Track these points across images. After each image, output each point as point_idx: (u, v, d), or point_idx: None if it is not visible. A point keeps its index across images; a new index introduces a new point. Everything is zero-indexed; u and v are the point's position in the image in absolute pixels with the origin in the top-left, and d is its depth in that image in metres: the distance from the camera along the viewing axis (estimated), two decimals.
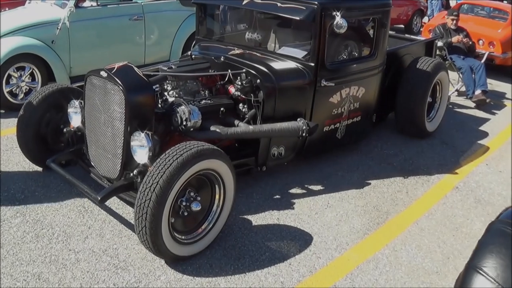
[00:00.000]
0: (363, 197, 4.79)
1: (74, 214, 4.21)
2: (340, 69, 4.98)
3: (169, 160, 3.45)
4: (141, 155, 3.84)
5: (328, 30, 4.63)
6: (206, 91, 4.69)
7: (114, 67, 4.05)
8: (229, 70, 4.67)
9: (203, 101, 4.48)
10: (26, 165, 4.88)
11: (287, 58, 4.86)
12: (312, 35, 4.69)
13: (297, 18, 4.69)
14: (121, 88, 3.85)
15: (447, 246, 4.16)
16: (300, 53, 4.90)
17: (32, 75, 6.28)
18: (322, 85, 4.73)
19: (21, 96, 6.22)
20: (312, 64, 4.68)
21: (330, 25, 4.60)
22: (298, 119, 4.57)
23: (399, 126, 6.24)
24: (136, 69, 4.09)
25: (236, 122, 4.53)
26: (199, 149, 3.54)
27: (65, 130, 4.49)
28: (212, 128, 4.31)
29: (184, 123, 4.12)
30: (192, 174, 3.54)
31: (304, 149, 4.95)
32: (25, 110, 4.55)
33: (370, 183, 5.05)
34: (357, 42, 5.70)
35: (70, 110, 4.46)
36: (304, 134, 4.52)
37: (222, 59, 4.85)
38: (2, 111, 6.23)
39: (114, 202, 4.34)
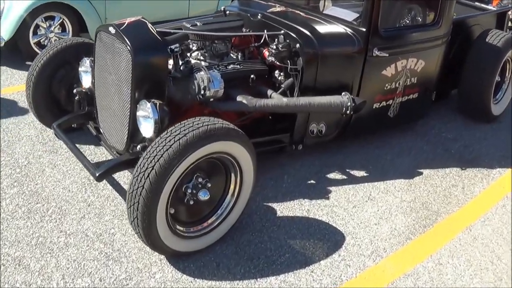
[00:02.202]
0: (411, 190, 3.91)
1: (76, 187, 3.57)
2: (396, 37, 4.02)
3: (169, 141, 2.72)
4: (147, 128, 3.13)
5: None
6: (238, 54, 3.89)
7: (125, 23, 3.31)
8: (265, 31, 3.84)
9: (231, 66, 3.68)
10: (39, 126, 4.26)
11: (335, 20, 3.96)
12: None
13: None
14: (129, 47, 3.12)
15: (501, 263, 3.26)
16: (350, 15, 3.98)
17: (62, 25, 5.61)
18: (373, 54, 3.82)
19: None
20: (363, 30, 3.77)
21: None
22: (343, 93, 3.68)
23: (462, 106, 5.22)
24: (149, 25, 3.32)
25: (269, 92, 3.72)
26: (209, 128, 2.77)
27: (75, 90, 3.81)
28: (239, 98, 3.53)
29: (202, 92, 3.35)
30: (198, 158, 2.79)
31: (349, 127, 4.10)
32: (34, 65, 3.90)
33: (422, 173, 4.15)
34: (421, 6, 4.69)
35: (80, 69, 3.78)
36: (348, 112, 3.65)
37: (259, 17, 4.01)
38: (29, 62, 5.63)
39: (124, 176, 3.67)
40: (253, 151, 3.05)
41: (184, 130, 2.74)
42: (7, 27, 5.18)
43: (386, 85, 4.08)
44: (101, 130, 3.67)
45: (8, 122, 4.37)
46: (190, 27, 3.66)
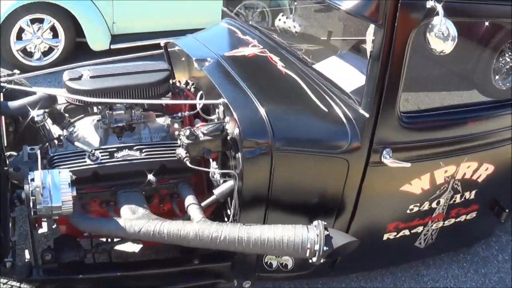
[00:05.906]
0: None
1: None
2: (432, 128, 1.92)
3: None
4: None
5: (412, 45, 1.65)
6: (163, 125, 2.11)
7: None
8: (201, 93, 2.02)
9: (124, 152, 1.92)
10: None
11: (327, 85, 1.96)
12: (371, 52, 1.73)
13: (343, 7, 1.78)
14: None
15: None
16: (354, 80, 1.96)
17: (54, 29, 4.08)
18: (381, 161, 1.82)
19: (37, 55, 4.08)
20: (366, 115, 1.77)
21: (421, 31, 1.62)
22: (314, 224, 1.71)
23: None
24: None
25: (188, 201, 1.92)
26: None
27: None
28: (123, 211, 1.80)
29: (33, 209, 1.67)
30: None
31: (337, 262, 2.15)
32: None
33: None
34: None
35: None
36: (315, 260, 1.71)
37: (206, 63, 2.16)
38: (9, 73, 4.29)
39: None
40: None
41: None
42: None
43: (411, 206, 2.03)
44: None
45: None
46: (67, 81, 1.94)
